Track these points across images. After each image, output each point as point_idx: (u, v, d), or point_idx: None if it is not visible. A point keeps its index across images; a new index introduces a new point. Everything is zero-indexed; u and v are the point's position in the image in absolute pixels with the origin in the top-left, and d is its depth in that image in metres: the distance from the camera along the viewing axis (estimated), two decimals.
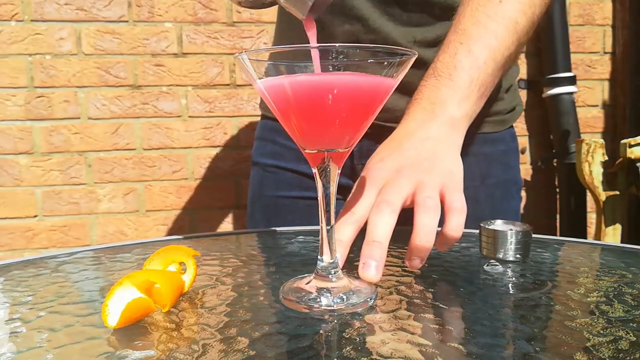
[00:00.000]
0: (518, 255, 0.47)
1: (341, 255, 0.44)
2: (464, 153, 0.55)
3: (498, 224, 0.49)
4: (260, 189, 0.84)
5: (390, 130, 0.57)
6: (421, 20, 0.69)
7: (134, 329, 0.33)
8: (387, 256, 0.43)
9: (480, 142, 0.75)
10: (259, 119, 0.90)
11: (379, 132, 0.73)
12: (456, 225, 0.45)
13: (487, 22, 0.56)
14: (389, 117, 0.72)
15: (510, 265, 0.47)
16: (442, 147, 0.51)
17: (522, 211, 1.60)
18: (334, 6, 0.71)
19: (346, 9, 0.70)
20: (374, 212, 0.44)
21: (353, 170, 0.79)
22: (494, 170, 0.77)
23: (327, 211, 0.39)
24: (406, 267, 0.45)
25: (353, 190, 0.50)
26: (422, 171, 0.48)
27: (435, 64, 0.57)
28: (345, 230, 0.45)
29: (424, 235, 0.43)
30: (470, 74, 0.55)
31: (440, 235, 0.45)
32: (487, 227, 0.48)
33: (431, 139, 0.52)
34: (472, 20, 0.57)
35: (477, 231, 0.50)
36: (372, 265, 0.41)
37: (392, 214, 0.44)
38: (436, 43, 0.70)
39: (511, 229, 0.48)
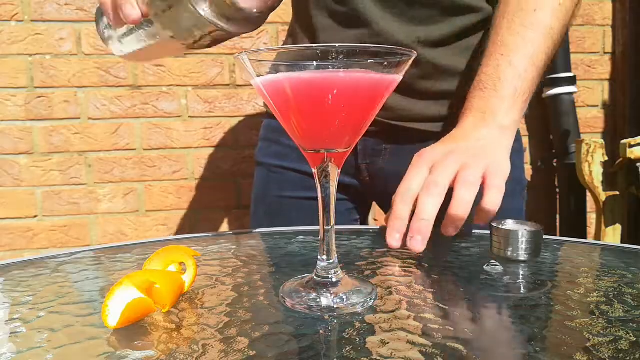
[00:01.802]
0: (529, 255, 0.47)
1: (399, 230, 0.51)
2: None
3: (509, 224, 0.49)
4: (265, 189, 0.84)
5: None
6: (425, 17, 0.69)
7: (134, 329, 0.33)
8: (387, 257, 0.45)
9: None
10: (259, 118, 0.90)
11: (382, 131, 0.73)
12: (494, 199, 0.51)
13: (524, 32, 0.60)
14: (392, 115, 0.72)
15: (510, 265, 0.47)
16: (493, 147, 0.57)
17: None
18: (339, 14, 0.71)
19: (352, 16, 0.70)
20: (424, 192, 0.52)
21: (357, 169, 0.79)
22: None
23: (327, 211, 0.39)
24: (407, 266, 0.45)
25: (408, 172, 0.56)
26: (469, 156, 0.54)
27: (480, 76, 0.62)
28: (403, 210, 0.52)
29: (461, 206, 0.50)
30: (514, 84, 0.59)
31: (477, 208, 0.51)
32: (499, 227, 0.49)
33: (483, 140, 0.57)
34: (509, 32, 0.61)
35: (479, 231, 0.50)
36: (419, 239, 0.49)
37: (439, 196, 0.51)
38: (440, 43, 0.70)
39: (523, 229, 0.48)
